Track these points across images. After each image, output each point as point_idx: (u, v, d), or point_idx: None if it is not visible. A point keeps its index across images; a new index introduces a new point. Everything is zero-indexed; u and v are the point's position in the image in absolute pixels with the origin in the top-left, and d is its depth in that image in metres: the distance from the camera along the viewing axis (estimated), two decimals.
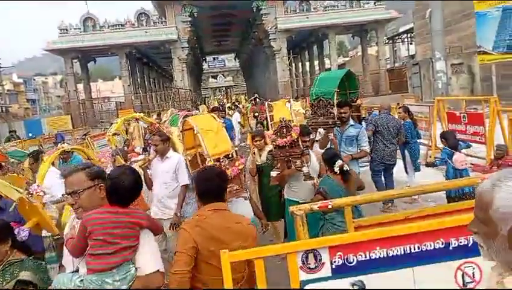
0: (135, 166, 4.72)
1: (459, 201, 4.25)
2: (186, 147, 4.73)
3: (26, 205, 2.93)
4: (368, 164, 6.56)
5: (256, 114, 13.45)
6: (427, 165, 6.51)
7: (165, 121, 9.39)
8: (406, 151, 7.14)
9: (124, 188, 2.16)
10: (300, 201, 4.45)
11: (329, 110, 4.82)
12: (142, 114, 6.94)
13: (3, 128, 25.42)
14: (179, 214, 4.43)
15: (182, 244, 2.28)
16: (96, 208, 2.16)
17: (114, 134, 5.93)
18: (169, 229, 4.35)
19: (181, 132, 4.85)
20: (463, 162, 5.44)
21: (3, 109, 28.95)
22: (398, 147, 6.72)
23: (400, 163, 7.16)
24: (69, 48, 27.19)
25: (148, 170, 4.69)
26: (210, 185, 2.46)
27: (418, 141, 7.61)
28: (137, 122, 11.44)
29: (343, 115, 5.01)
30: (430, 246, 1.94)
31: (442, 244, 1.94)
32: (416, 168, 7.26)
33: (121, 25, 27.93)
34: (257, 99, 21.65)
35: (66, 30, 27.39)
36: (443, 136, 5.69)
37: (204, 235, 2.28)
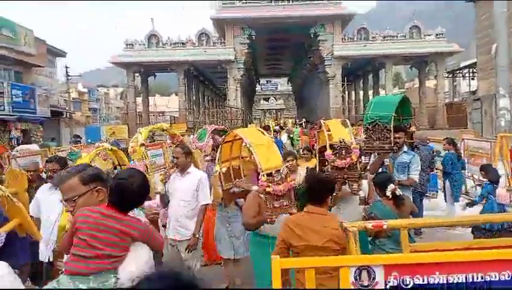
0: (157, 178, 4.77)
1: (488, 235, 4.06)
2: (222, 160, 4.55)
3: (5, 204, 2.68)
4: None
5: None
6: (468, 204, 6.34)
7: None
8: (447, 182, 7.37)
9: (131, 191, 2.02)
10: None
11: (385, 135, 4.69)
12: (167, 124, 6.38)
13: (66, 132, 27.08)
14: (197, 236, 4.20)
15: (277, 238, 2.90)
16: None
17: (142, 145, 5.26)
18: (186, 251, 4.14)
19: (220, 144, 4.79)
20: (506, 196, 5.39)
21: (68, 115, 30.85)
22: (430, 177, 7.31)
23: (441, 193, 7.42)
24: (132, 62, 28.71)
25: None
26: (314, 188, 2.94)
27: (463, 171, 7.84)
28: (188, 136, 11.77)
29: (397, 140, 4.82)
30: (495, 277, 1.83)
31: (509, 276, 1.82)
32: (456, 199, 7.32)
33: (183, 43, 29.16)
34: (307, 123, 21.62)
35: (132, 45, 28.99)
36: (483, 168, 5.59)
37: (289, 233, 2.80)
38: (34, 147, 13.61)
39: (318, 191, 2.92)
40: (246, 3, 28.89)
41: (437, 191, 8.81)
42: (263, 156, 3.81)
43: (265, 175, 3.65)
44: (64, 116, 29.53)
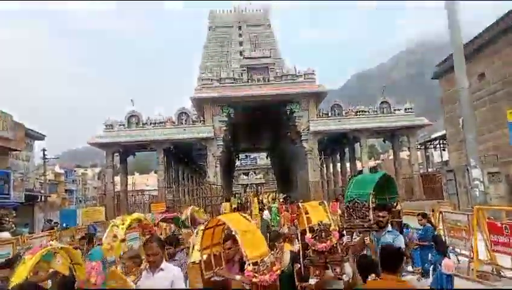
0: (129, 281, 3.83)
1: None
2: (203, 247, 4.46)
3: None
4: None
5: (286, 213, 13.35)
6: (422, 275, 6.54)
7: (184, 221, 9.20)
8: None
9: None
10: None
11: (365, 213, 4.74)
12: (143, 215, 5.37)
13: (41, 217, 26.19)
14: None
15: None
16: None
17: (123, 240, 4.58)
18: None
19: (203, 229, 4.70)
20: (451, 267, 5.67)
21: (43, 199, 30.04)
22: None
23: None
24: (111, 143, 28.84)
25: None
26: (387, 259, 3.37)
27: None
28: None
29: (381, 219, 4.76)
30: None
31: None
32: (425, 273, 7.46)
33: (162, 122, 29.72)
34: (287, 199, 21.65)
35: (111, 126, 29.32)
36: (435, 239, 5.83)
37: None
38: (6, 235, 13.07)
39: (392, 261, 3.36)
40: (224, 83, 30.16)
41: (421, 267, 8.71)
42: (249, 245, 3.75)
43: (251, 264, 3.59)
44: (39, 199, 28.75)
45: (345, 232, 5.05)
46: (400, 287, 3.24)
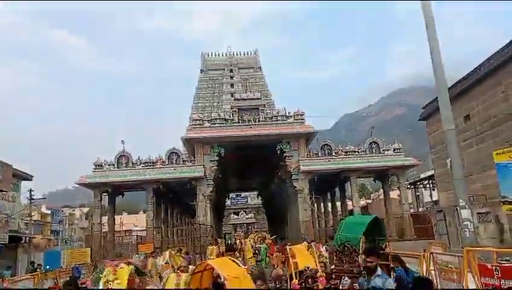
0: None
1: None
2: None
3: None
4: None
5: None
6: None
7: (166, 263, 8.86)
8: None
9: None
10: None
11: (354, 258, 4.68)
12: (128, 269, 4.58)
13: (24, 258, 25.34)
14: None
15: None
16: None
17: None
18: None
19: (192, 274, 4.63)
20: None
21: (27, 240, 29.24)
22: None
23: None
24: (100, 183, 28.55)
25: None
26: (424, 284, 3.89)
27: None
28: (154, 259, 11.24)
29: (369, 264, 4.75)
30: None
31: None
32: None
33: (152, 162, 29.63)
34: (276, 240, 21.35)
35: (101, 166, 29.14)
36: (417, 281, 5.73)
37: None
38: None
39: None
40: (215, 123, 30.42)
41: None
42: None
43: None
44: (24, 241, 27.97)
45: (333, 276, 4.99)
46: None
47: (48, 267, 19.13)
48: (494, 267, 7.56)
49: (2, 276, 14.26)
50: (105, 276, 3.98)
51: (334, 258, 5.03)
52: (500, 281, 7.20)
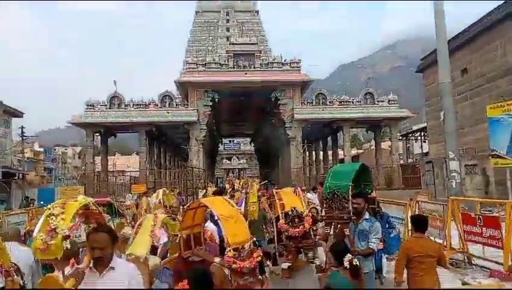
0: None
1: None
2: (182, 227, 4.42)
3: None
4: None
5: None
6: None
7: (159, 202, 8.59)
8: None
9: None
10: None
11: (343, 205, 4.76)
12: (87, 199, 3.61)
13: (18, 194, 25.74)
14: None
15: (399, 255, 4.69)
16: None
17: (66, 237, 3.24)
18: None
19: (186, 210, 4.68)
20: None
21: (20, 176, 29.50)
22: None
23: None
24: (93, 123, 28.40)
25: None
26: (420, 221, 4.77)
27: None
28: (147, 197, 11.35)
29: (356, 206, 4.84)
30: None
31: None
32: None
33: (145, 104, 29.36)
34: (269, 185, 21.69)
35: (93, 106, 28.83)
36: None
37: (409, 248, 4.51)
38: None
39: (422, 224, 4.74)
40: (210, 68, 29.87)
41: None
42: (231, 230, 3.70)
43: (231, 250, 3.55)
44: (17, 177, 28.22)
45: (323, 223, 5.13)
46: (429, 242, 4.93)
47: (41, 203, 19.47)
48: (477, 216, 7.82)
49: None
50: (49, 209, 3.23)
51: (324, 205, 5.10)
52: (482, 229, 7.48)
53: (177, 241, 4.56)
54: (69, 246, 3.13)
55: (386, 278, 6.94)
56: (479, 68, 19.78)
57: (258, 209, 8.23)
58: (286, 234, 4.26)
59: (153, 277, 3.82)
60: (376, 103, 30.40)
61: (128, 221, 5.95)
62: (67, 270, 3.00)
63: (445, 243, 8.27)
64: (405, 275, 4.52)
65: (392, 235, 8.70)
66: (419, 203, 10.26)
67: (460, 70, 20.98)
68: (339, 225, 4.92)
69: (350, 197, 4.84)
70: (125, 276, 2.87)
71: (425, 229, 4.87)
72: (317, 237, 4.71)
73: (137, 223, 4.56)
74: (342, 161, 33.12)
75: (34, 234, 3.20)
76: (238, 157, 68.68)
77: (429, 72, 24.22)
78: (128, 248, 3.83)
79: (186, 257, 4.27)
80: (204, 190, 18.45)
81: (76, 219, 3.36)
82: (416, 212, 9.81)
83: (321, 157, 40.98)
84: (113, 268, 2.86)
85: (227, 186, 21.06)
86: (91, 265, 2.88)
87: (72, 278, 2.77)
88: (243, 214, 5.84)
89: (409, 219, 5.30)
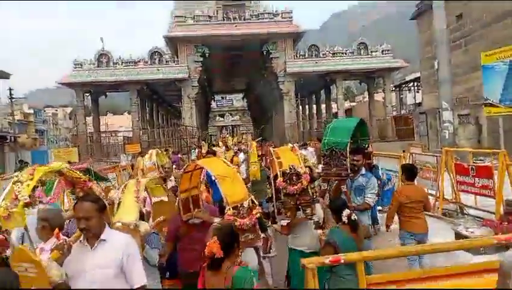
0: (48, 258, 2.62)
1: None
2: (181, 190, 4.38)
3: None
4: None
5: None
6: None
7: (153, 164, 8.53)
8: None
9: None
10: (305, 251, 4.36)
11: (342, 162, 4.73)
12: (65, 165, 3.40)
13: (11, 157, 25.63)
14: None
15: (392, 202, 5.30)
16: None
17: (27, 204, 2.95)
18: None
19: (183, 173, 4.63)
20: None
21: (12, 139, 29.24)
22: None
23: None
24: (82, 82, 27.83)
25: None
26: (409, 170, 5.39)
27: None
28: (142, 157, 11.29)
29: (355, 162, 4.85)
30: None
31: None
32: None
33: (134, 62, 28.68)
34: (263, 141, 21.70)
35: (81, 65, 28.13)
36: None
37: (401, 195, 5.11)
38: None
39: (411, 173, 5.33)
40: (199, 21, 28.95)
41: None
42: (228, 189, 3.73)
43: (231, 209, 3.57)
44: (9, 140, 27.98)
45: (320, 179, 5.13)
46: (418, 188, 5.51)
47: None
48: (470, 167, 7.89)
49: None
50: (17, 176, 2.98)
51: (322, 162, 5.07)
52: (474, 179, 7.56)
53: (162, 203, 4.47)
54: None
55: (380, 229, 7.12)
56: (475, 13, 19.32)
57: (260, 168, 8.11)
58: (284, 191, 4.27)
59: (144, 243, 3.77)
60: (370, 53, 29.92)
61: (112, 184, 5.64)
62: (53, 241, 2.89)
63: (438, 194, 8.41)
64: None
65: (386, 189, 8.85)
66: (413, 155, 10.34)
67: (456, 16, 20.49)
68: (335, 181, 4.91)
69: (348, 155, 4.79)
70: (120, 249, 2.67)
71: (415, 177, 5.50)
72: (314, 194, 4.71)
73: (122, 187, 4.37)
74: (335, 114, 33.10)
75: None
76: (231, 114, 68.36)
77: (424, 19, 23.64)
78: (114, 214, 3.62)
79: (186, 219, 4.27)
80: (198, 149, 18.42)
81: (55, 189, 3.22)
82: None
83: (314, 112, 40.88)
84: (104, 240, 2.66)
85: (220, 143, 21.03)
86: (81, 238, 2.74)
87: (56, 250, 2.59)
88: (239, 172, 5.78)
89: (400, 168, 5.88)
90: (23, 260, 2.46)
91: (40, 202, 4.87)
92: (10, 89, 34.43)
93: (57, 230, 2.86)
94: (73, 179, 3.47)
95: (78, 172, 3.49)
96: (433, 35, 13.79)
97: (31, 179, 2.96)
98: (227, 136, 45.24)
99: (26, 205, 2.85)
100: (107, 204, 3.25)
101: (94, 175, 5.00)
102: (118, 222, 3.38)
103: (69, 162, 15.70)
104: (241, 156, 15.45)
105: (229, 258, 2.64)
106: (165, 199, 4.47)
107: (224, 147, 18.11)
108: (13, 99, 35.74)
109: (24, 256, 2.47)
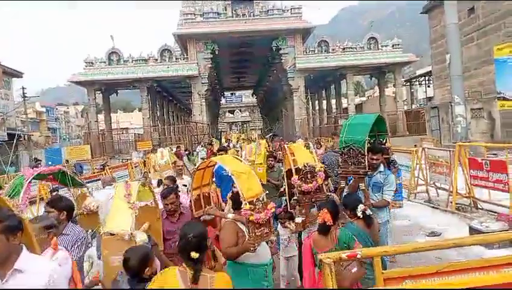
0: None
1: None
2: (193, 187, 4.41)
3: None
4: None
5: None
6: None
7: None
8: None
9: None
10: None
11: (359, 160, 4.69)
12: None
13: (25, 156, 25.99)
14: None
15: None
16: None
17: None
18: None
19: (195, 170, 4.66)
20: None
21: (26, 137, 29.65)
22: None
23: None
24: (93, 80, 28.08)
25: None
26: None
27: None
28: (154, 154, 11.39)
29: (374, 161, 4.79)
30: None
31: None
32: None
33: (145, 60, 28.84)
34: (273, 137, 21.68)
35: (92, 63, 28.37)
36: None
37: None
38: None
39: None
40: (208, 18, 28.98)
41: (402, 200, 9.00)
42: (244, 185, 3.77)
43: (247, 203, 3.63)
44: (22, 138, 28.36)
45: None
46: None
47: (49, 163, 19.70)
48: (484, 161, 7.83)
49: (5, 172, 14.69)
50: None
51: (340, 160, 5.02)
52: (488, 173, 7.51)
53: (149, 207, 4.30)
54: None
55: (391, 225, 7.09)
56: (488, 6, 19.06)
57: (271, 170, 7.22)
58: (299, 189, 4.29)
59: None
60: (380, 48, 29.67)
61: (88, 190, 4.68)
62: None
63: (451, 189, 8.36)
64: None
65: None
66: (425, 149, 10.28)
67: (468, 10, 20.23)
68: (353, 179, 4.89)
69: (366, 153, 4.73)
70: (40, 282, 2.03)
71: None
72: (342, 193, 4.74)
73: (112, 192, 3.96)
74: (345, 109, 32.91)
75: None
76: (240, 110, 68.46)
77: (435, 13, 23.39)
78: (104, 225, 3.26)
79: (197, 216, 4.33)
80: (209, 146, 18.32)
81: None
82: (423, 159, 9.87)
83: (324, 107, 40.71)
84: (18, 270, 2.01)
85: (223, 140, 21.02)
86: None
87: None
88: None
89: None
90: None
91: None
92: (23, 88, 34.87)
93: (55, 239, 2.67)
94: None
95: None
96: (445, 29, 13.64)
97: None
98: (231, 133, 45.16)
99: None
100: (53, 221, 2.90)
101: (70, 179, 4.44)
102: (109, 232, 3.05)
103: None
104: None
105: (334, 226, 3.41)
106: (151, 204, 4.10)
107: (226, 144, 18.10)
108: (26, 98, 36.22)
109: None
